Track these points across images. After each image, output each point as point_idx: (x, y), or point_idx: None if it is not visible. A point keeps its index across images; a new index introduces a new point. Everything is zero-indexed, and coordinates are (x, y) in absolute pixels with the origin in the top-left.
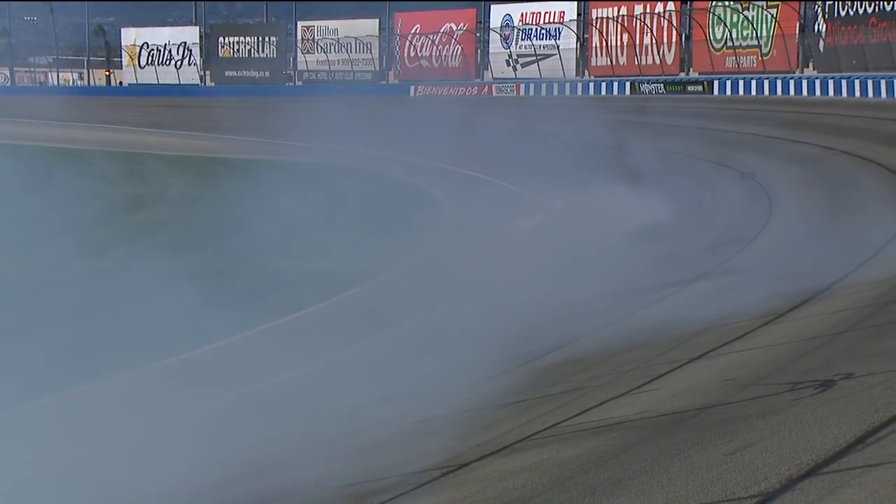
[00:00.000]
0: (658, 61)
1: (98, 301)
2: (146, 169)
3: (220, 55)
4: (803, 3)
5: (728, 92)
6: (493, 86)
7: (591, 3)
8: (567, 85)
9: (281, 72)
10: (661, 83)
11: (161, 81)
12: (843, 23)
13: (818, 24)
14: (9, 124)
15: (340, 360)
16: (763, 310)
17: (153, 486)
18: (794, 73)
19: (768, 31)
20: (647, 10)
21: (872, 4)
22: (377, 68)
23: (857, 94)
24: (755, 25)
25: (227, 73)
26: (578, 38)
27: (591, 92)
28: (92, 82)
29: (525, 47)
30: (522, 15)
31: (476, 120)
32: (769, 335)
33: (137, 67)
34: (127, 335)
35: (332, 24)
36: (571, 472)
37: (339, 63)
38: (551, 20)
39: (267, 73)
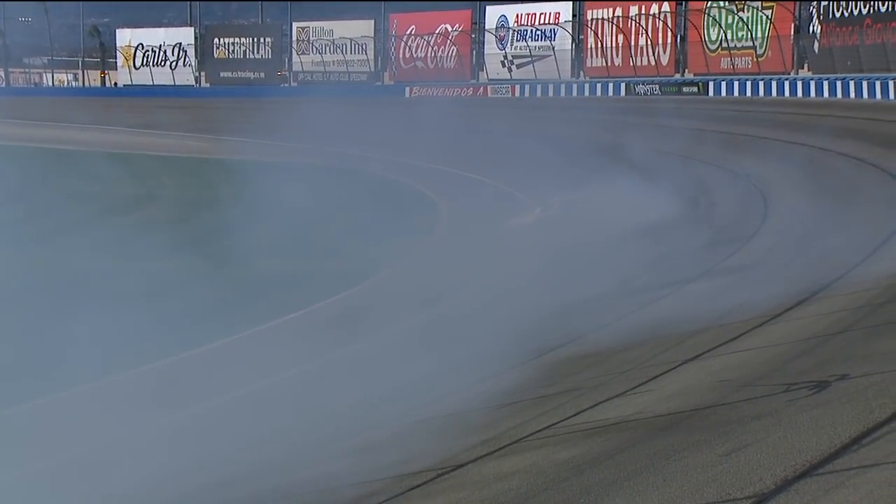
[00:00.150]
0: (653, 62)
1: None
2: (141, 170)
3: (216, 56)
4: (798, 4)
5: (723, 93)
6: (489, 87)
7: (586, 4)
8: (562, 86)
9: (276, 73)
10: (656, 84)
11: (156, 82)
12: (838, 24)
13: (813, 26)
14: (4, 125)
15: (340, 360)
16: (759, 310)
17: (153, 486)
18: (789, 74)
19: (763, 33)
20: (643, 12)
21: (867, 6)
22: (372, 69)
23: (852, 95)
24: (750, 26)
25: (222, 74)
26: (574, 39)
27: (587, 93)
28: (87, 83)
29: (520, 48)
30: (518, 16)
31: (473, 121)
32: (765, 336)
33: (132, 68)
34: (119, 336)
35: (327, 24)
36: (567, 474)
37: (334, 64)
38: (546, 21)
39: (262, 74)
